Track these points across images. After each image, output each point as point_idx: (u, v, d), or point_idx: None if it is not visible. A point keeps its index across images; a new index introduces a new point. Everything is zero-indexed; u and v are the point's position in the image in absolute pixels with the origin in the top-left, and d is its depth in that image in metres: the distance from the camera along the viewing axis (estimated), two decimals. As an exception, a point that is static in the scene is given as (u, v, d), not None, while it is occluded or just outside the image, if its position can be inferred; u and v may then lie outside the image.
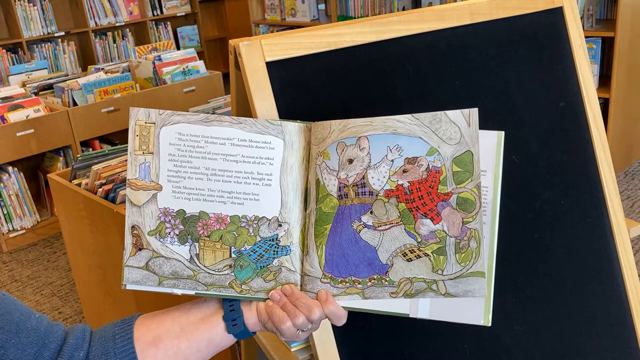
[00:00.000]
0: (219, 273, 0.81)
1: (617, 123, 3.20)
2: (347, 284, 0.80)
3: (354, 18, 3.98)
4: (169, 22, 5.92)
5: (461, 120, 0.78)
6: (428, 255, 0.78)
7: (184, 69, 3.55)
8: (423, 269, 0.78)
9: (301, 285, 0.81)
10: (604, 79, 3.22)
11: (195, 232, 0.80)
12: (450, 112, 0.78)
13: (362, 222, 0.79)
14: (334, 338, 0.97)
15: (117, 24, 5.48)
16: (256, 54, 0.93)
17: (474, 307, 0.83)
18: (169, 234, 0.80)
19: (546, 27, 1.12)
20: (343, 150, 0.79)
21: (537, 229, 1.09)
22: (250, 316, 0.81)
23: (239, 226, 0.80)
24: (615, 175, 1.15)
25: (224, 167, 0.80)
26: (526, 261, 1.08)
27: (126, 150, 1.95)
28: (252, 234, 0.81)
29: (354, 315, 0.84)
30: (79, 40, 5.44)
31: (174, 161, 0.80)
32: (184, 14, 6.01)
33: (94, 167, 1.84)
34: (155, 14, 5.77)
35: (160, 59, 3.53)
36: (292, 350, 1.04)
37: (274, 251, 0.81)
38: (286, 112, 0.94)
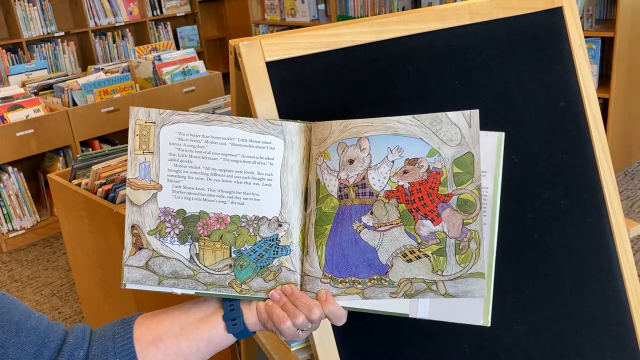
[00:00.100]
0: (219, 273, 0.81)
1: (617, 123, 3.20)
2: (347, 284, 0.80)
3: (354, 18, 3.98)
4: (168, 22, 5.92)
5: (462, 122, 0.77)
6: (428, 256, 0.78)
7: (183, 69, 3.55)
8: (423, 270, 0.79)
9: (301, 285, 0.81)
10: (604, 79, 3.22)
11: (195, 231, 0.80)
12: (451, 114, 0.77)
13: (362, 223, 0.79)
14: (334, 338, 0.97)
15: (117, 24, 5.48)
16: (256, 54, 0.93)
17: (473, 308, 0.83)
18: (169, 233, 0.80)
19: (546, 27, 1.12)
20: (344, 151, 0.79)
21: (537, 229, 1.09)
22: (250, 316, 0.81)
23: (239, 226, 0.80)
24: (614, 175, 1.15)
25: (224, 167, 0.80)
26: (526, 261, 1.08)
27: (126, 150, 1.95)
28: (252, 234, 0.81)
29: (354, 315, 0.84)
30: (79, 40, 5.44)
31: (174, 161, 0.80)
32: (183, 14, 6.01)
33: (94, 167, 1.84)
34: (155, 14, 5.77)
35: (160, 59, 3.53)
36: (292, 350, 1.04)
37: (274, 251, 0.81)
38: (286, 112, 0.94)
